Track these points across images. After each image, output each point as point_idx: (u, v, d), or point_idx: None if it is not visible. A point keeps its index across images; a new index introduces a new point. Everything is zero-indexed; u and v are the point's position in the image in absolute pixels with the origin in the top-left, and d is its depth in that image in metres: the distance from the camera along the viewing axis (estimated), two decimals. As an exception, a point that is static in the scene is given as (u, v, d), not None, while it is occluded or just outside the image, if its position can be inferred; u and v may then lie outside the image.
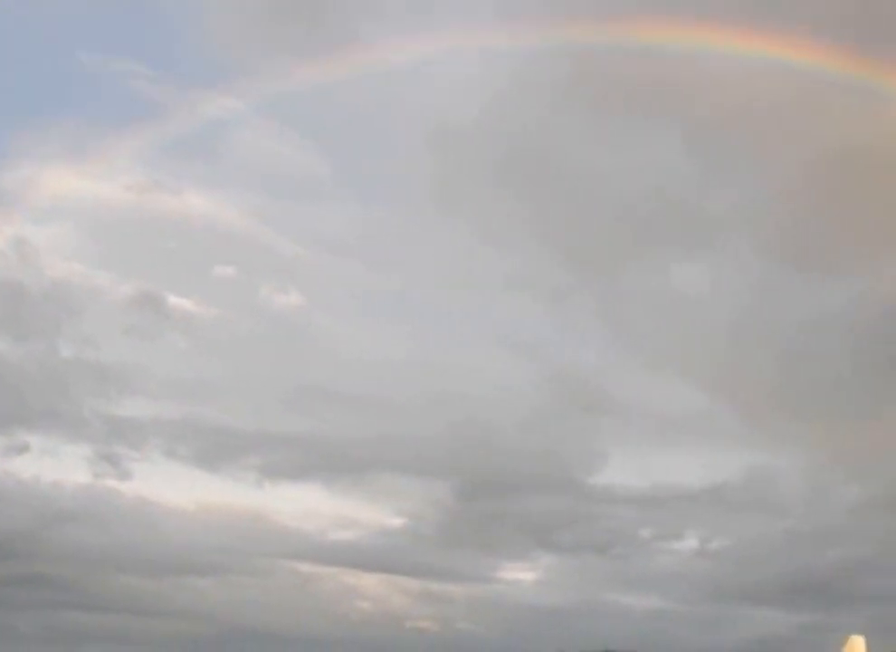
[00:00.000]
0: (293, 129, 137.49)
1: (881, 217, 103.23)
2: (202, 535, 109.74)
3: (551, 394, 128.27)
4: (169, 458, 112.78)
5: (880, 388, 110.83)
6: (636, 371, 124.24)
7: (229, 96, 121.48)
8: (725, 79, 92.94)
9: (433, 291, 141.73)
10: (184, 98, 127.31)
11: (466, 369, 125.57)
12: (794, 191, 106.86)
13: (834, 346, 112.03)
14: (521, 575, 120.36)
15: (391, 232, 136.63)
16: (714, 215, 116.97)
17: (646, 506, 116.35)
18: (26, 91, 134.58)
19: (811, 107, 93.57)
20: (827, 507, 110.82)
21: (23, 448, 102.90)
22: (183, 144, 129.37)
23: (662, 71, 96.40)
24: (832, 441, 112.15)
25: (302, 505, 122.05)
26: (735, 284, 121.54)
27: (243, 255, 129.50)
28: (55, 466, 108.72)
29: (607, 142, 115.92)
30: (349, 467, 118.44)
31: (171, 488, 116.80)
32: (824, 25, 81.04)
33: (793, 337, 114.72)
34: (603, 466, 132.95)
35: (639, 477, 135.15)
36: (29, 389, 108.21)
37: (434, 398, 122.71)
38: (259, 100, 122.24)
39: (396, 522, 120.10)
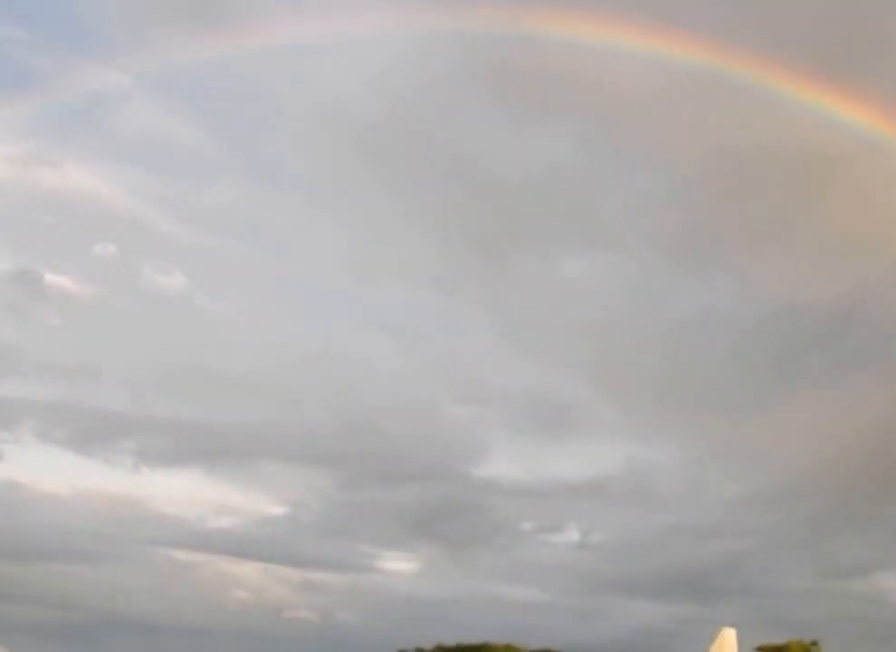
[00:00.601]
0: (182, 104, 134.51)
1: (768, 216, 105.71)
2: (75, 521, 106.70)
3: (435, 383, 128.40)
4: (42, 441, 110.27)
5: (761, 384, 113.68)
6: (521, 362, 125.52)
7: (115, 67, 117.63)
8: (622, 74, 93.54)
9: (319, 275, 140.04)
10: (67, 68, 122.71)
11: (350, 355, 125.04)
12: (684, 188, 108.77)
13: (719, 341, 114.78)
14: (402, 565, 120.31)
15: (277, 214, 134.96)
16: (603, 209, 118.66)
17: (529, 498, 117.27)
18: None
19: (706, 106, 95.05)
20: (706, 501, 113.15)
21: None
22: (65, 116, 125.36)
23: (558, 63, 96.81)
24: (713, 435, 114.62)
25: (180, 491, 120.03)
26: (621, 278, 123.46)
27: (125, 233, 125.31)
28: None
29: (498, 131, 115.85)
30: (230, 453, 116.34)
31: (44, 472, 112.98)
32: (724, 26, 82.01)
33: (678, 331, 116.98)
34: (486, 457, 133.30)
35: (522, 469, 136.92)
36: None
37: (318, 385, 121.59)
38: (147, 72, 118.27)
39: (277, 510, 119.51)
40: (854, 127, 73.16)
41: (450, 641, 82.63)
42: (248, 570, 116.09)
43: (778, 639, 69.28)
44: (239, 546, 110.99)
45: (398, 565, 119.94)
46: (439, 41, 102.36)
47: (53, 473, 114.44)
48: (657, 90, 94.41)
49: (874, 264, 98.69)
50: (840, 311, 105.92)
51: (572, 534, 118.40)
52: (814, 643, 69.08)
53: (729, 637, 34.54)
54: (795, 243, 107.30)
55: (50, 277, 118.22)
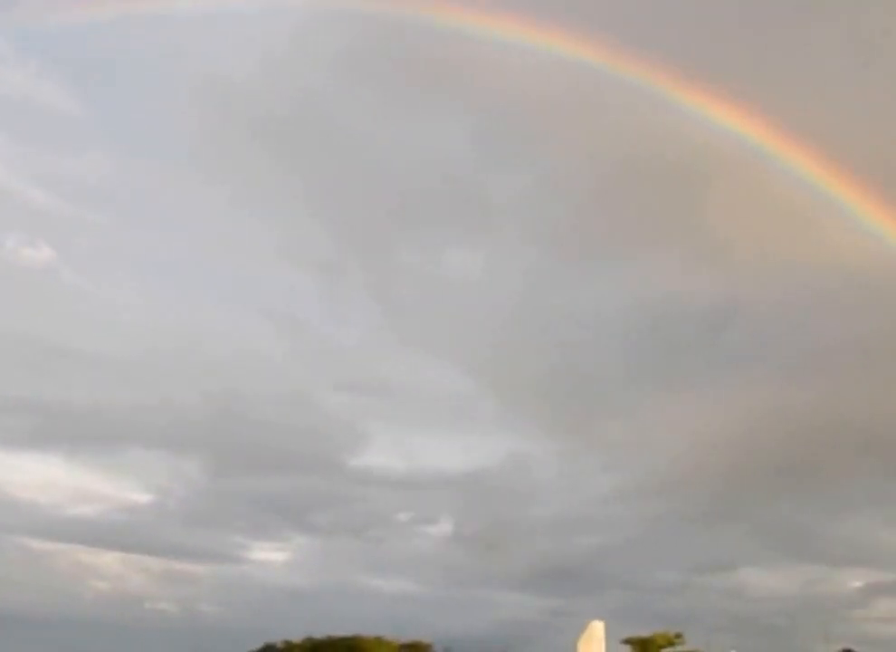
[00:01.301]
0: (53, 69, 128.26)
1: (653, 219, 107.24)
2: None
3: (314, 370, 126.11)
4: None
5: (639, 381, 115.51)
6: (403, 352, 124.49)
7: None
8: (518, 69, 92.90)
9: (197, 254, 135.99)
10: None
11: (227, 338, 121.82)
12: (571, 187, 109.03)
13: (599, 338, 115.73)
14: (271, 556, 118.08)
15: (155, 189, 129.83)
16: (492, 202, 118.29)
17: (405, 489, 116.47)
18: None
19: (599, 107, 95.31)
20: (580, 495, 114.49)
21: None
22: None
23: (454, 54, 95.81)
24: (590, 430, 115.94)
25: (38, 476, 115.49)
26: (508, 272, 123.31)
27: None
28: None
29: (388, 117, 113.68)
30: (94, 437, 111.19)
31: None
32: (626, 29, 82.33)
33: (561, 327, 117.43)
34: (364, 447, 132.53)
35: (400, 460, 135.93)
36: None
37: (190, 367, 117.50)
38: (17, 35, 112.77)
39: (141, 497, 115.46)
40: (737, 135, 74.40)
41: (320, 634, 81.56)
42: (108, 559, 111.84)
43: (645, 632, 70.31)
44: (99, 535, 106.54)
45: (268, 556, 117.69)
46: (335, 20, 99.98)
47: None
48: (553, 87, 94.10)
49: (750, 269, 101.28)
50: (717, 313, 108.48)
51: (446, 526, 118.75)
52: (678, 635, 70.44)
53: (597, 629, 34.51)
54: (677, 246, 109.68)
55: None
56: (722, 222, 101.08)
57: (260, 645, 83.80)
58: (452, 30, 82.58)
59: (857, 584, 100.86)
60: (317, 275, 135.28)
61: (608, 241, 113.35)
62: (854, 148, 76.99)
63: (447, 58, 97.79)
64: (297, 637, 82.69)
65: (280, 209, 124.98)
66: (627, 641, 68.85)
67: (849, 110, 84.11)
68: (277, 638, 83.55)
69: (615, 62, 74.30)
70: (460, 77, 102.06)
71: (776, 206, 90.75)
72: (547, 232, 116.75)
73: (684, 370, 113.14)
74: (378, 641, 79.86)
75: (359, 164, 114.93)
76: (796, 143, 71.50)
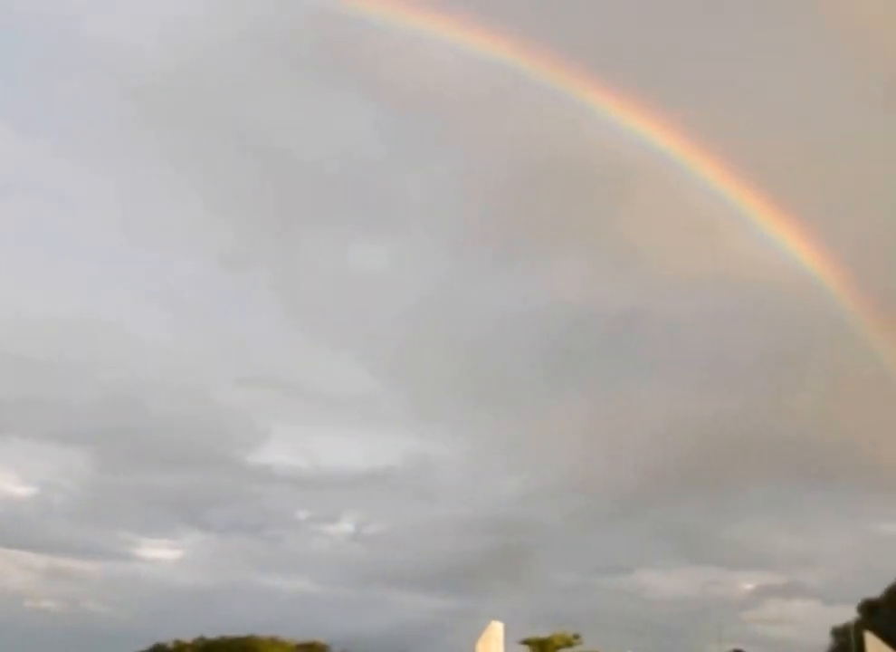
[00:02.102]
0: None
1: (566, 220, 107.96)
2: None
3: (214, 363, 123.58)
4: None
5: (548, 382, 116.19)
6: (307, 348, 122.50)
7: None
8: (435, 65, 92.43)
9: (88, 240, 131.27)
10: None
11: (122, 328, 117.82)
12: (484, 184, 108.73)
13: (509, 340, 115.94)
14: (163, 553, 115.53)
15: (36, 166, 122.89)
16: (402, 198, 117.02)
17: (306, 487, 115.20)
18: None
19: (516, 107, 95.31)
20: (484, 496, 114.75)
21: None
22: None
23: (368, 45, 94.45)
24: (497, 431, 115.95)
25: None
26: (416, 269, 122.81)
27: None
28: None
29: (300, 106, 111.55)
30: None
31: None
32: (547, 32, 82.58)
33: (469, 327, 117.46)
34: (265, 444, 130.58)
35: (301, 457, 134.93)
36: None
37: (80, 356, 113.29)
38: None
39: (24, 491, 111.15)
40: (652, 144, 75.36)
41: (213, 634, 79.13)
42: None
43: (544, 632, 70.53)
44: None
45: (159, 553, 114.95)
46: (251, 2, 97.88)
47: None
48: (470, 85, 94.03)
49: (660, 278, 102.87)
50: (626, 319, 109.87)
51: (347, 526, 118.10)
52: (576, 636, 70.82)
53: (496, 630, 34.13)
54: (588, 251, 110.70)
55: None
56: (634, 230, 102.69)
57: (149, 645, 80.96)
58: (367, 21, 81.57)
59: (749, 586, 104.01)
60: (220, 267, 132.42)
61: (518, 243, 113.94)
62: (764, 162, 78.91)
63: (361, 49, 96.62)
64: (188, 637, 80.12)
65: (181, 197, 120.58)
66: (525, 642, 68.83)
67: (761, 123, 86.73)
68: (167, 639, 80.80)
69: (534, 64, 74.40)
70: (372, 69, 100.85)
71: (687, 217, 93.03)
72: (456, 230, 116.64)
73: (592, 374, 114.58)
74: (273, 642, 78.02)
75: (266, 154, 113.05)
76: (708, 155, 72.74)
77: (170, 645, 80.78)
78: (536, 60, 73.86)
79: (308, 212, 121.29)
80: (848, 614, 72.23)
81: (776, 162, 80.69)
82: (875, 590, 70.89)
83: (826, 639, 74.17)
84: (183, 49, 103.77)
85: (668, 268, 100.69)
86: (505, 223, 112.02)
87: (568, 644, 69.84)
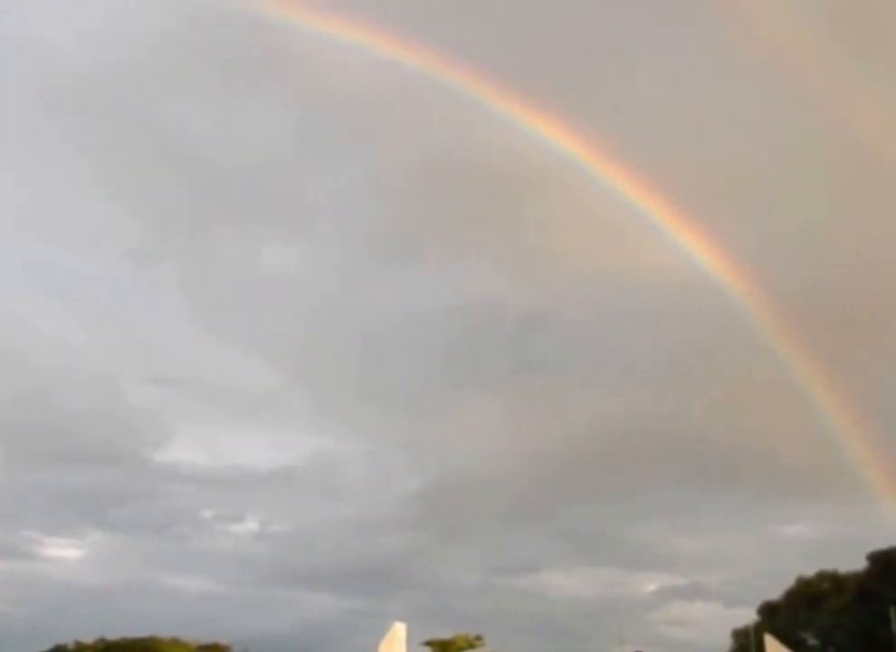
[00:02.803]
0: None
1: (472, 222, 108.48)
2: None
3: (120, 360, 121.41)
4: None
5: (451, 382, 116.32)
6: (216, 347, 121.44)
7: None
8: (345, 67, 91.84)
9: (1, 235, 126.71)
10: None
11: (30, 325, 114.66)
12: (394, 189, 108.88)
13: (415, 339, 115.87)
14: (66, 552, 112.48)
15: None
16: (312, 199, 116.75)
17: (211, 486, 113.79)
18: None
19: (424, 110, 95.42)
20: (388, 495, 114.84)
21: None
22: None
23: (281, 46, 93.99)
24: (400, 430, 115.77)
25: None
26: (325, 270, 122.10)
27: None
28: None
29: (213, 106, 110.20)
30: None
31: None
32: (457, 38, 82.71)
33: (375, 327, 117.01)
34: (170, 442, 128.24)
35: (207, 456, 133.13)
36: None
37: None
38: None
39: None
40: (557, 148, 75.91)
41: (114, 634, 77.08)
42: None
43: (447, 633, 70.20)
44: None
45: (62, 552, 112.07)
46: (162, 4, 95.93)
47: None
48: (379, 88, 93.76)
49: (564, 279, 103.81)
50: (530, 319, 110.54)
51: (252, 525, 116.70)
52: (479, 637, 70.72)
53: (399, 631, 33.99)
54: (493, 252, 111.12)
55: None
56: (540, 231, 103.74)
57: (49, 646, 78.70)
58: (283, 24, 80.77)
59: (652, 587, 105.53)
60: (127, 263, 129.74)
61: (426, 243, 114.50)
62: (668, 168, 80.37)
63: (276, 52, 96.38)
64: (90, 637, 77.82)
65: (91, 195, 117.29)
66: (428, 643, 68.58)
67: (666, 128, 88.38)
68: (67, 639, 78.48)
69: (447, 69, 74.46)
70: (287, 72, 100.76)
71: (592, 220, 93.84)
72: (365, 231, 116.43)
73: (496, 374, 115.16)
74: (175, 642, 76.40)
75: (179, 153, 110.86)
76: (613, 159, 73.61)
77: (70, 645, 78.64)
78: (448, 65, 74.15)
79: (221, 211, 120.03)
80: (749, 616, 73.77)
81: (681, 167, 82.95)
82: (775, 593, 72.57)
83: (727, 641, 75.47)
84: (99, 48, 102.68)
85: (573, 269, 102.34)
86: (414, 223, 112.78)
87: (471, 645, 69.73)
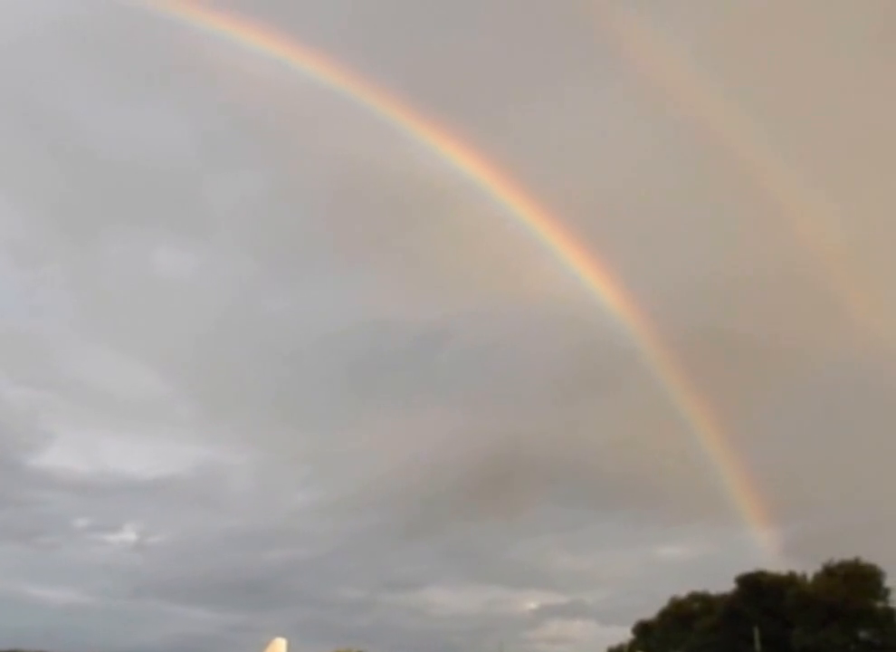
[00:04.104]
0: None
1: (377, 239, 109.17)
2: None
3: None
4: None
5: (345, 397, 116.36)
6: (100, 350, 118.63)
7: None
8: (258, 77, 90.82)
9: None
10: None
11: None
12: (299, 198, 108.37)
13: (309, 351, 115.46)
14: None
15: None
16: (212, 205, 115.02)
17: (88, 494, 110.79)
18: None
19: (334, 126, 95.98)
20: (273, 508, 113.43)
21: None
22: None
23: (192, 51, 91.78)
24: (288, 443, 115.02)
25: None
26: (221, 277, 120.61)
27: None
28: None
29: (107, 104, 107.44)
30: None
31: None
32: (373, 59, 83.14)
33: (271, 338, 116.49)
34: (46, 447, 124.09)
35: (85, 462, 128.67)
36: None
37: None
38: None
39: None
40: (467, 172, 77.37)
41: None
42: None
43: (329, 649, 70.28)
44: None
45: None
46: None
47: None
48: (291, 100, 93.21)
49: (465, 299, 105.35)
50: (431, 338, 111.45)
51: (130, 534, 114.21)
52: (360, 653, 70.74)
53: (279, 646, 33.70)
54: (397, 270, 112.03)
55: None
56: (440, 253, 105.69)
57: None
58: (194, 29, 79.66)
59: (532, 605, 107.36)
60: (9, 260, 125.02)
61: (327, 260, 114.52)
62: (572, 199, 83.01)
63: (184, 57, 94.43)
64: (-55, 649, 75.02)
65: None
66: (309, 659, 68.30)
67: (572, 162, 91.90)
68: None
69: (357, 90, 75.07)
70: (198, 76, 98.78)
71: (495, 245, 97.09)
72: (267, 244, 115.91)
73: (392, 392, 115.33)
74: (39, 655, 74.39)
75: (69, 150, 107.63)
76: (519, 188, 75.36)
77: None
78: (363, 87, 74.74)
79: (114, 213, 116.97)
80: (624, 634, 75.96)
81: (583, 200, 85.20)
82: (650, 612, 74.99)
83: (603, 659, 77.20)
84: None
85: (473, 292, 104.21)
86: (317, 240, 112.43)
87: (353, 660, 69.76)
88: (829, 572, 62.90)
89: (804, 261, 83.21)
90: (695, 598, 72.01)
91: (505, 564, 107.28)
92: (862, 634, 60.21)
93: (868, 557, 61.74)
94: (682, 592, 72.99)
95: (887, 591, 61.42)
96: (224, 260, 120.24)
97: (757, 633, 60.62)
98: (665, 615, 72.93)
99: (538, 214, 74.45)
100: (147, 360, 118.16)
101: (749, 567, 66.98)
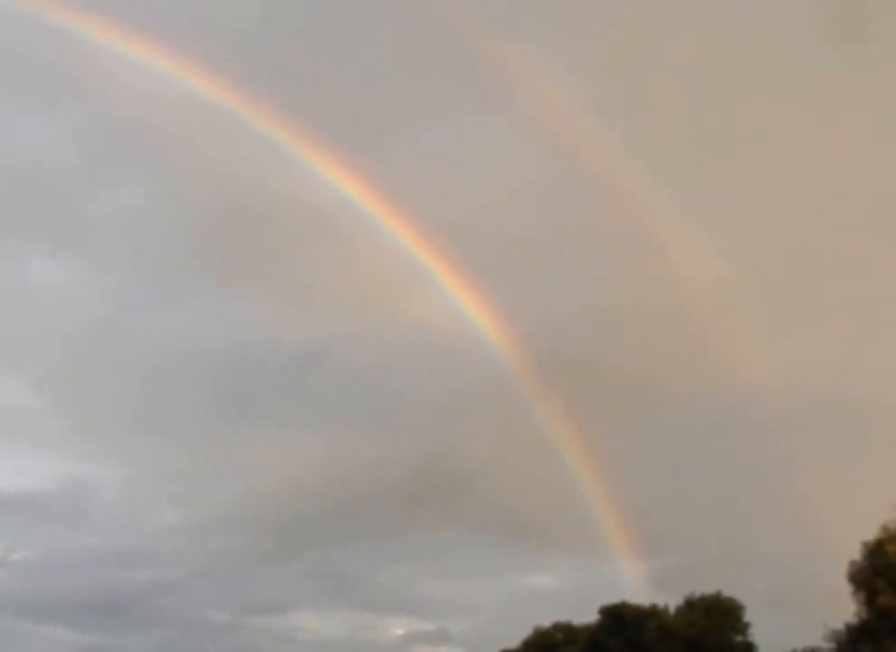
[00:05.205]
0: None
1: (255, 258, 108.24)
2: None
3: None
4: None
5: (219, 415, 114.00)
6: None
7: None
8: (143, 88, 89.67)
9: None
10: None
11: None
12: (176, 214, 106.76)
13: (184, 368, 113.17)
14: None
15: None
16: (89, 217, 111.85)
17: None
18: None
19: (218, 141, 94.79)
20: (140, 527, 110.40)
21: None
22: None
23: (78, 64, 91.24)
24: (159, 461, 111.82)
25: None
26: (95, 290, 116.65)
27: None
28: None
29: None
30: None
31: None
32: (257, 75, 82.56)
33: (144, 353, 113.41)
34: None
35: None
36: None
37: None
38: None
39: None
40: (347, 194, 77.32)
41: None
42: None
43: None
44: None
45: None
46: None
47: None
48: (175, 114, 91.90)
49: (340, 321, 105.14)
50: (304, 358, 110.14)
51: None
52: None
53: None
54: (273, 288, 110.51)
55: None
56: (320, 274, 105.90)
57: None
58: (74, 36, 77.83)
59: (399, 632, 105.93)
60: None
61: (206, 275, 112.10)
62: (452, 227, 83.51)
63: (68, 65, 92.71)
64: None
65: None
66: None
67: (454, 187, 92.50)
68: None
69: (245, 108, 74.54)
70: (73, 84, 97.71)
71: (374, 269, 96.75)
72: (144, 260, 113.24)
73: (264, 411, 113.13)
74: None
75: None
76: (401, 215, 75.58)
77: None
78: (251, 105, 74.37)
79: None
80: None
81: (465, 228, 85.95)
82: (515, 641, 74.82)
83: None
84: None
85: (351, 315, 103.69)
86: (195, 257, 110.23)
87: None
88: (690, 605, 64.13)
89: (677, 294, 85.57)
90: (559, 628, 72.26)
91: (373, 589, 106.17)
92: (720, 667, 61.60)
93: (729, 591, 63.72)
94: (547, 622, 73.31)
95: (746, 625, 63.12)
96: (99, 273, 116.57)
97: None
98: (528, 645, 72.84)
99: (420, 240, 74.82)
100: (17, 372, 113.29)
101: (616, 598, 67.64)
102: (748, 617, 63.60)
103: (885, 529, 46.27)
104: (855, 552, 47.49)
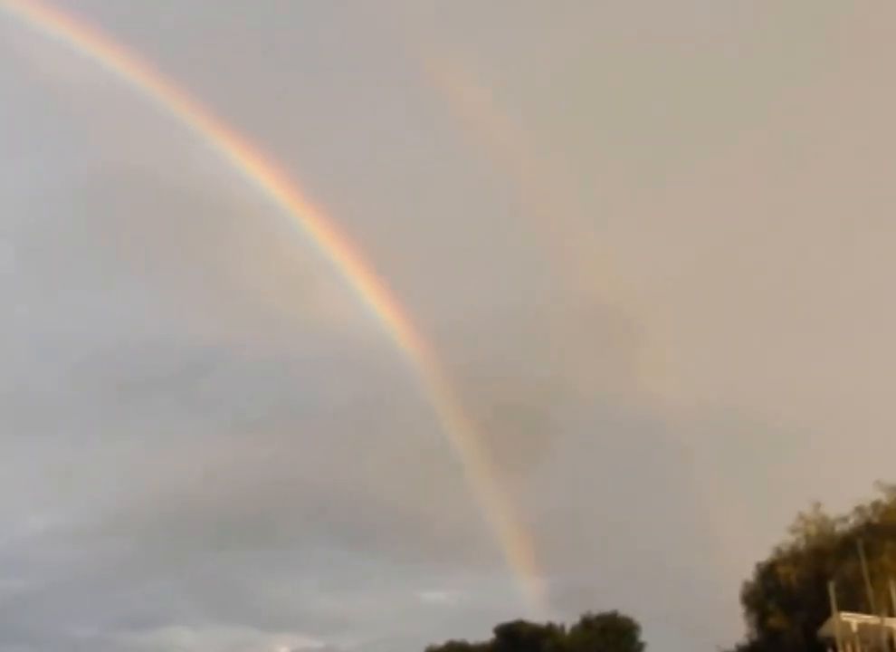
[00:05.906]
0: None
1: (156, 250, 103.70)
2: None
3: None
4: None
5: (104, 417, 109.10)
6: None
7: None
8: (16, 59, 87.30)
9: None
10: None
11: None
12: (70, 202, 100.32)
13: (64, 366, 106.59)
14: None
15: None
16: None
17: None
18: None
19: (111, 123, 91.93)
20: (2, 532, 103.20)
21: None
22: None
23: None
24: (29, 463, 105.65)
25: None
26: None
27: None
28: None
29: None
30: None
31: None
32: (181, 67, 79.72)
33: (17, 347, 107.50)
34: None
35: None
36: None
37: None
38: None
39: None
40: (261, 188, 75.03)
41: None
42: None
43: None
44: None
45: None
46: None
47: None
48: (83, 92, 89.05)
49: (242, 321, 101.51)
50: (198, 357, 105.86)
51: None
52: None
53: None
54: (169, 285, 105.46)
55: None
56: (225, 270, 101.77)
57: None
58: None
59: (284, 650, 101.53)
60: None
61: (99, 268, 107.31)
62: (371, 229, 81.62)
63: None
64: None
65: None
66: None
67: (374, 189, 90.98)
68: None
69: (158, 88, 70.96)
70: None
71: (283, 265, 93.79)
72: (31, 242, 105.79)
73: (152, 414, 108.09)
74: None
75: None
76: (315, 210, 73.50)
77: None
78: (165, 85, 70.92)
79: None
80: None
81: (381, 228, 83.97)
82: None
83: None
84: None
85: (254, 314, 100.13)
86: (88, 245, 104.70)
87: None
88: (587, 624, 63.94)
89: (601, 302, 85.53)
90: (452, 647, 70.76)
91: (257, 603, 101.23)
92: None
93: (626, 610, 63.38)
94: (441, 640, 71.79)
95: (641, 645, 63.29)
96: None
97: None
98: (426, 660, 71.58)
99: (333, 239, 72.80)
100: None
101: (514, 616, 67.10)
102: (644, 636, 63.89)
103: (778, 550, 46.57)
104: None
